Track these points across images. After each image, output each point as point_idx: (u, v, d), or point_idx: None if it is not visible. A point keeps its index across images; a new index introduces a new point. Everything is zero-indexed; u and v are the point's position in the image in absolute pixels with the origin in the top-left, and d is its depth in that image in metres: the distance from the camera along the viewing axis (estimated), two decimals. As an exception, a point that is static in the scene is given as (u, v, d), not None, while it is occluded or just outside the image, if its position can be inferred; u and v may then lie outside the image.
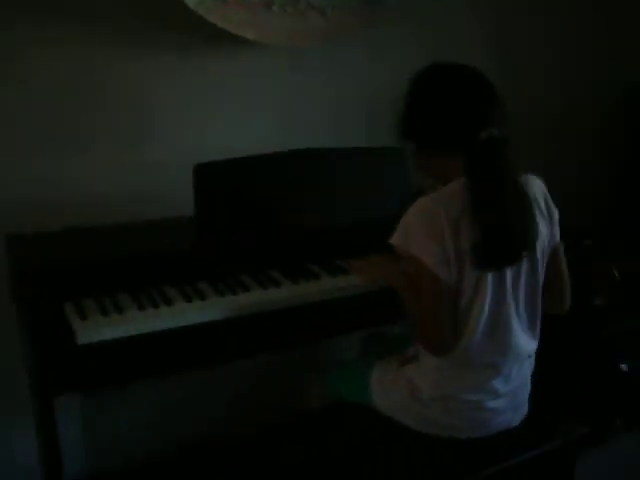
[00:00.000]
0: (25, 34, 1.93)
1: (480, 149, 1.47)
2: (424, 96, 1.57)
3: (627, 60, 2.88)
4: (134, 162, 2.11)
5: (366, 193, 2.08)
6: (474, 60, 2.51)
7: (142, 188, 2.12)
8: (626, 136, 2.91)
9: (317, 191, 2.02)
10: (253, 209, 1.94)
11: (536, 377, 1.72)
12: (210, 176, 1.90)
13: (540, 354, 1.70)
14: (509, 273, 1.54)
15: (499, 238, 1.47)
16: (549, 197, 1.63)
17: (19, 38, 1.92)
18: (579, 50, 2.78)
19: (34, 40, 1.93)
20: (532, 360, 1.69)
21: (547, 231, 1.59)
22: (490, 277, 1.51)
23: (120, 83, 2.06)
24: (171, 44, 2.09)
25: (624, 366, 2.55)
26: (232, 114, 2.23)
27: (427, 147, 1.59)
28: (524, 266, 1.56)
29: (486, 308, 1.53)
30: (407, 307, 1.59)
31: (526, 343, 1.63)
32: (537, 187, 1.60)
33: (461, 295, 1.52)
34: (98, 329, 1.56)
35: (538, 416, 1.72)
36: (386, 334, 2.09)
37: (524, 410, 1.70)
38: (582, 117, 2.84)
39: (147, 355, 1.60)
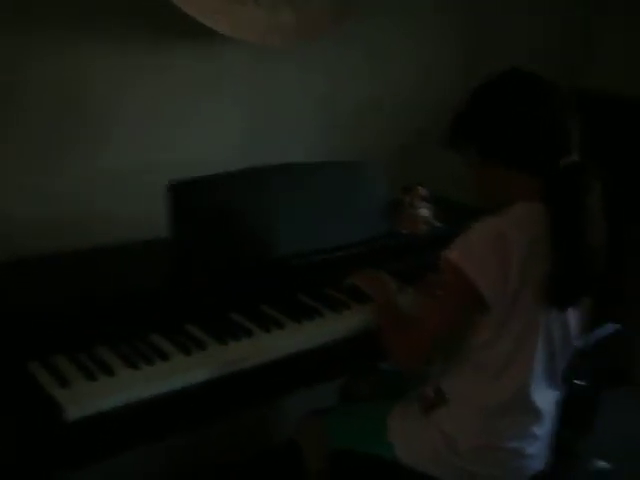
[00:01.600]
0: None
1: (566, 175, 1.35)
2: (511, 108, 1.39)
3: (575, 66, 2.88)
4: (86, 176, 1.75)
5: (349, 211, 1.88)
6: (444, 59, 2.42)
7: (93, 207, 1.76)
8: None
9: (301, 211, 1.78)
10: (236, 234, 1.67)
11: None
12: (188, 197, 1.61)
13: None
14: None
15: (579, 272, 1.35)
16: None
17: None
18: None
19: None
20: None
21: None
22: (546, 313, 1.39)
23: (68, 81, 1.69)
24: (129, 40, 1.75)
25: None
26: (195, 118, 1.93)
27: (502, 164, 1.41)
28: None
29: (539, 346, 1.41)
30: (386, 318, 1.54)
31: (561, 382, 1.52)
32: None
33: (510, 332, 1.38)
34: (90, 400, 1.23)
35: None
36: (375, 370, 1.89)
37: (548, 452, 1.59)
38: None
39: (146, 421, 1.30)
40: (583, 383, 2.49)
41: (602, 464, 1.68)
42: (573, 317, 1.47)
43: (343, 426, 1.68)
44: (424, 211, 2.06)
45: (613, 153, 2.75)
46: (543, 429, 1.51)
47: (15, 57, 1.61)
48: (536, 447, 1.51)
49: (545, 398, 1.47)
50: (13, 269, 1.56)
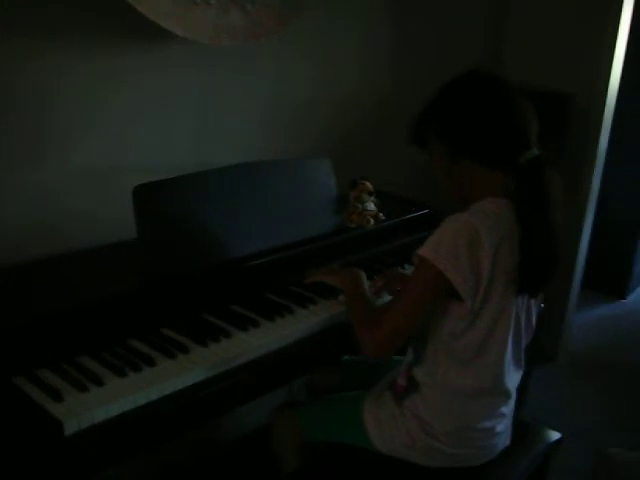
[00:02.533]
0: None
1: (530, 170, 1.41)
2: (476, 104, 1.45)
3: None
4: (26, 184, 1.68)
5: (303, 208, 1.93)
6: (379, 57, 2.48)
7: (40, 217, 1.71)
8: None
9: (258, 210, 1.81)
10: (201, 235, 1.68)
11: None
12: (153, 199, 1.60)
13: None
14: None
15: (548, 260, 1.43)
16: None
17: None
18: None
19: None
20: None
21: None
22: (515, 300, 1.47)
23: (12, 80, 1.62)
24: (84, 46, 1.70)
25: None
26: (145, 121, 1.89)
27: (470, 159, 1.46)
28: None
29: (510, 335, 1.49)
30: (358, 310, 1.55)
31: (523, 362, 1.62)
32: None
33: (483, 320, 1.46)
34: (86, 412, 1.21)
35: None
36: (339, 362, 1.93)
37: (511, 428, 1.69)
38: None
39: (144, 426, 1.29)
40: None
41: (555, 434, 1.79)
42: (533, 300, 1.57)
43: (317, 418, 1.72)
44: (371, 205, 2.12)
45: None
46: (509, 407, 1.61)
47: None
48: (504, 425, 1.60)
49: (512, 378, 1.57)
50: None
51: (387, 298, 1.79)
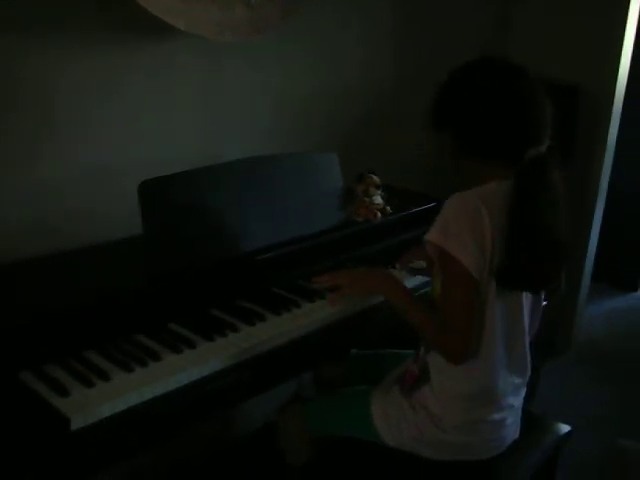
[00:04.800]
0: None
1: (530, 168, 1.40)
2: (484, 97, 1.43)
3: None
4: (27, 181, 1.68)
5: (310, 202, 1.92)
6: (381, 48, 2.48)
7: (38, 214, 1.71)
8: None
9: (265, 204, 1.80)
10: (207, 230, 1.67)
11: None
12: (159, 195, 1.59)
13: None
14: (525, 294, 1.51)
15: (529, 265, 1.40)
16: None
17: None
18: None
19: None
20: None
21: None
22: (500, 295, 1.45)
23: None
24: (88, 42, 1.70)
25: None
26: (149, 117, 1.89)
27: (477, 152, 1.46)
28: None
29: (497, 324, 1.46)
30: (413, 314, 1.48)
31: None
32: None
33: (487, 308, 1.45)
34: (93, 407, 1.21)
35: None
36: (347, 355, 1.93)
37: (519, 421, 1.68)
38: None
39: (146, 423, 1.28)
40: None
41: (564, 427, 1.78)
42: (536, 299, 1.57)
43: (324, 413, 1.72)
44: (378, 199, 2.11)
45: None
46: (519, 399, 1.60)
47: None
48: (513, 417, 1.59)
49: (521, 377, 1.57)
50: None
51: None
